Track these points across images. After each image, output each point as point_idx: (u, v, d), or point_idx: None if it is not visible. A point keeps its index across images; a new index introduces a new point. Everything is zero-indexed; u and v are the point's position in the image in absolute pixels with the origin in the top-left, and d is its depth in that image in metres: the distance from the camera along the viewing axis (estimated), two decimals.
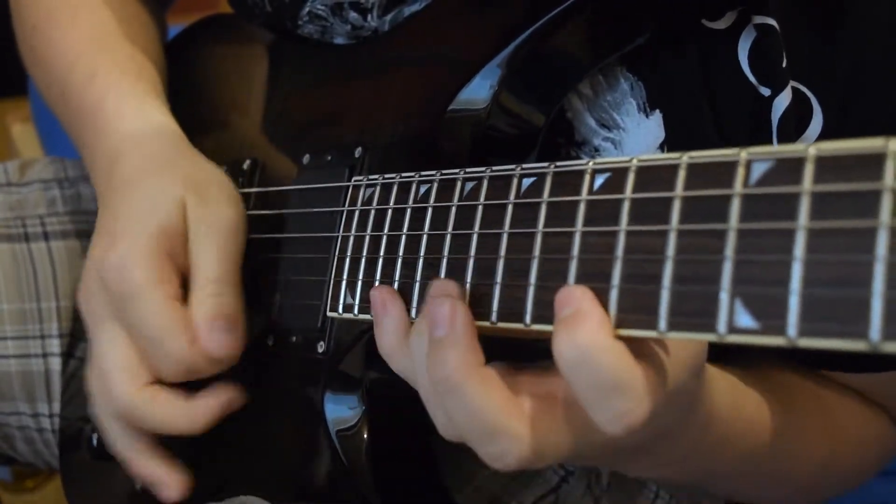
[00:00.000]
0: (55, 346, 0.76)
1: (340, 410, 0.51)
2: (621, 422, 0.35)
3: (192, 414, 0.54)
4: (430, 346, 0.38)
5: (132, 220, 0.55)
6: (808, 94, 0.48)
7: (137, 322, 0.53)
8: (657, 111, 0.51)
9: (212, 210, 0.55)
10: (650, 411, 0.35)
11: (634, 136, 0.52)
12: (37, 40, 0.70)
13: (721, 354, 0.52)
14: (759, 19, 0.48)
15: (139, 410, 0.54)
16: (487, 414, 0.37)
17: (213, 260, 0.54)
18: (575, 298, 0.36)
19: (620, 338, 0.35)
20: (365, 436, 0.50)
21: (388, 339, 0.43)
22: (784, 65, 0.48)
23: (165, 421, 0.54)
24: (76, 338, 0.75)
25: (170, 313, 0.53)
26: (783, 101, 0.48)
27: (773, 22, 0.48)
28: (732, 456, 0.50)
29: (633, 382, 0.34)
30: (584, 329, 0.35)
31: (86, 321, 0.58)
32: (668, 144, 0.51)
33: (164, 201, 0.55)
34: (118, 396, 0.54)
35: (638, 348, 0.36)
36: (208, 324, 0.53)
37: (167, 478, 0.57)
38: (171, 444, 0.62)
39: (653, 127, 0.51)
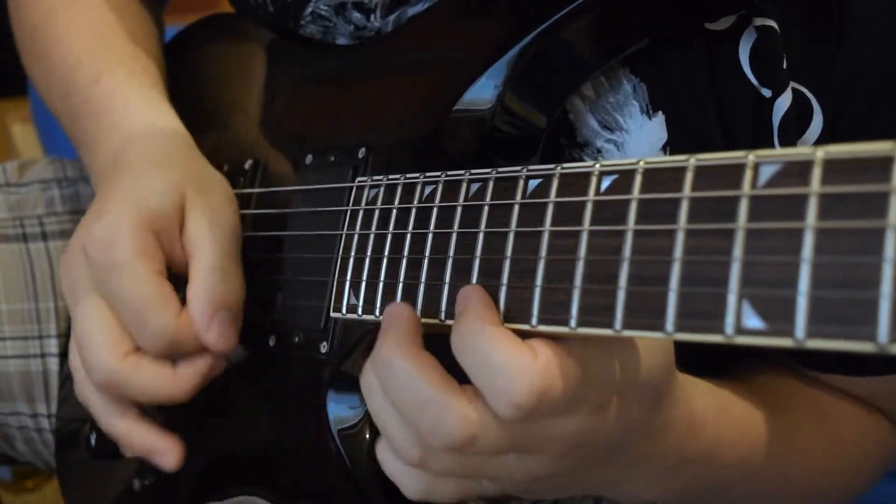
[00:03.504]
0: (53, 346, 0.75)
1: (342, 410, 0.51)
2: (502, 399, 0.37)
3: (177, 380, 0.53)
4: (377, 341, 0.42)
5: (125, 198, 0.54)
6: (808, 94, 0.49)
7: (120, 294, 0.52)
8: (660, 113, 0.51)
9: (212, 205, 0.55)
10: (539, 391, 0.36)
11: (637, 138, 0.52)
12: (38, 39, 0.70)
13: (709, 364, 0.52)
14: (759, 21, 0.48)
15: (122, 379, 0.52)
16: (420, 383, 0.39)
17: (213, 249, 0.53)
18: (465, 296, 0.40)
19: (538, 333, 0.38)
20: (367, 435, 0.50)
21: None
22: (784, 66, 0.48)
23: (150, 388, 0.53)
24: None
25: (154, 286, 0.51)
26: (784, 102, 0.48)
27: (773, 23, 0.48)
28: (727, 463, 0.50)
29: (506, 359, 0.37)
30: (465, 320, 0.39)
31: (66, 298, 0.56)
32: (670, 146, 0.51)
33: (163, 188, 0.54)
34: (100, 366, 0.52)
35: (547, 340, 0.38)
36: (207, 312, 0.52)
37: (163, 444, 0.54)
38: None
39: (655, 128, 0.51)
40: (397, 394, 0.40)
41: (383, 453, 0.44)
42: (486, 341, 0.38)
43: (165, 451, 0.54)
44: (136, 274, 0.51)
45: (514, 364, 0.37)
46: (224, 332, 0.52)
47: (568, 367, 0.37)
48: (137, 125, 0.61)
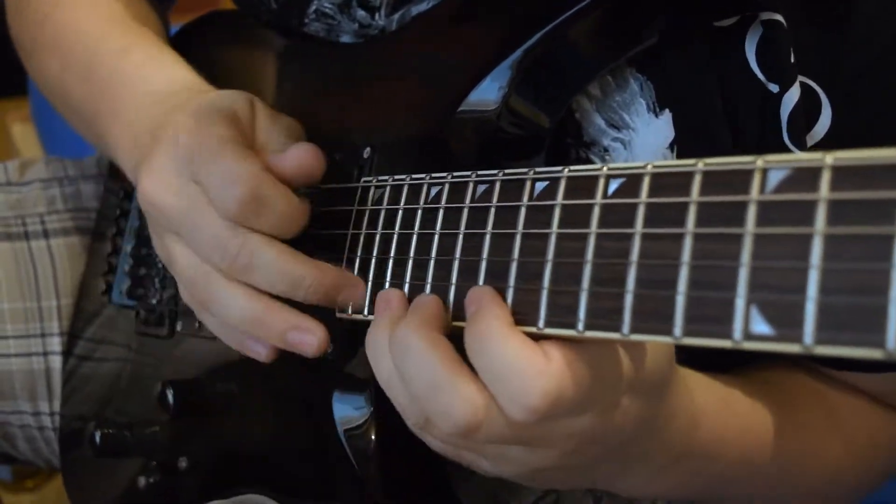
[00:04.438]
0: (56, 344, 0.76)
1: (348, 410, 0.51)
2: (515, 402, 0.37)
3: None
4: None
5: (200, 103, 0.52)
6: (817, 88, 0.48)
7: (223, 181, 0.47)
8: (666, 111, 0.51)
9: (276, 113, 0.54)
10: (553, 396, 0.37)
11: (644, 136, 0.52)
12: (50, 28, 0.68)
13: (717, 361, 0.52)
14: (765, 15, 0.48)
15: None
16: (434, 365, 0.39)
17: (289, 126, 0.53)
18: (477, 297, 0.40)
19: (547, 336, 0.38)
20: (372, 436, 0.50)
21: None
22: (792, 60, 0.48)
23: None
24: (75, 336, 0.75)
25: (249, 156, 0.48)
26: (792, 97, 0.48)
27: (780, 17, 0.48)
28: (732, 459, 0.50)
29: (520, 363, 0.37)
30: (480, 320, 0.39)
31: (158, 202, 0.50)
32: (677, 144, 0.51)
33: (232, 94, 0.54)
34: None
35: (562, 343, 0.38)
36: (289, 145, 0.50)
37: (309, 322, 0.48)
38: (175, 442, 0.62)
39: (662, 127, 0.51)
40: (410, 372, 0.40)
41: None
42: (499, 343, 0.38)
43: (311, 327, 0.48)
44: (231, 153, 0.48)
45: (528, 368, 0.37)
46: (308, 151, 0.49)
47: (579, 370, 0.38)
48: (180, 81, 0.60)
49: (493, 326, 0.39)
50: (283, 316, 0.48)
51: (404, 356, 0.41)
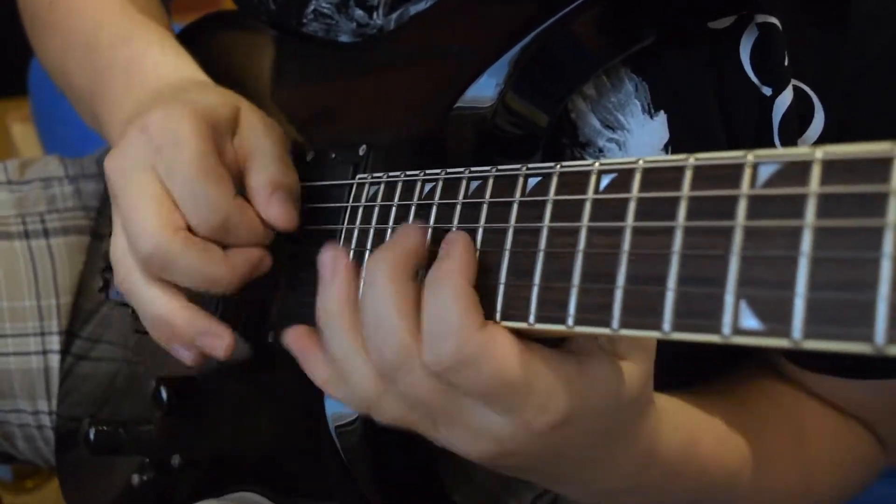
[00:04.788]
0: (55, 343, 0.76)
1: (339, 407, 0.51)
2: (430, 343, 0.38)
3: (228, 262, 0.50)
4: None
5: (181, 98, 0.53)
6: (810, 92, 0.48)
7: (179, 165, 0.49)
8: (661, 112, 0.51)
9: (264, 118, 0.55)
10: (462, 358, 0.37)
11: (639, 137, 0.52)
12: (57, 13, 0.69)
13: (698, 370, 0.52)
14: (761, 18, 0.48)
15: (172, 252, 0.49)
16: (388, 307, 0.40)
17: (275, 143, 0.53)
18: (452, 240, 0.40)
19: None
20: (363, 432, 0.50)
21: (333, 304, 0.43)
22: (786, 63, 0.48)
23: (200, 267, 0.49)
24: (72, 335, 0.75)
25: (213, 162, 0.50)
26: (784, 100, 0.48)
27: (775, 20, 0.47)
28: (683, 491, 0.50)
29: (456, 318, 0.38)
30: (445, 265, 0.40)
31: (112, 183, 0.52)
32: (672, 145, 0.51)
33: (217, 98, 0.54)
34: (148, 236, 0.49)
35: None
36: (269, 189, 0.51)
37: (216, 326, 0.51)
38: (169, 440, 0.62)
39: (657, 128, 0.51)
40: (364, 303, 0.41)
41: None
42: (451, 292, 0.39)
43: (219, 332, 0.51)
44: (196, 148, 0.50)
45: (460, 322, 0.38)
46: (285, 208, 0.51)
47: (512, 361, 0.38)
48: (176, 72, 0.60)
49: (453, 276, 0.39)
50: (195, 319, 0.51)
51: (367, 289, 0.41)
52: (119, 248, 0.52)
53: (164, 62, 0.61)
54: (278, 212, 0.51)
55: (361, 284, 0.42)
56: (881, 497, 0.63)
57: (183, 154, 0.49)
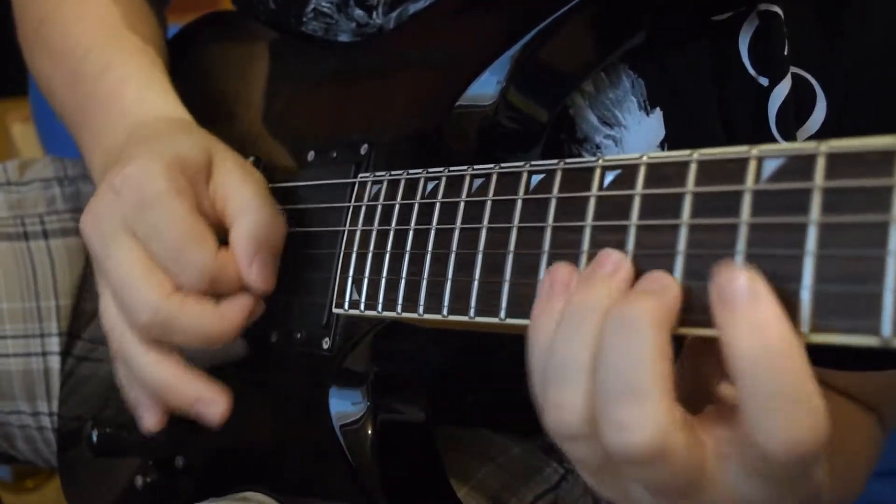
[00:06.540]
0: (55, 344, 0.75)
1: (344, 406, 0.51)
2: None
3: (225, 317, 0.50)
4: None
5: (151, 149, 0.53)
6: (812, 80, 0.48)
7: (157, 229, 0.49)
8: (657, 109, 0.51)
9: (241, 161, 0.55)
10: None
11: (635, 134, 0.52)
12: (46, 32, 0.69)
13: None
14: (763, 6, 0.47)
15: (170, 316, 0.49)
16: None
17: (255, 192, 0.53)
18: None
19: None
20: (369, 431, 0.50)
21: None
22: (786, 52, 0.47)
23: (198, 326, 0.49)
24: (73, 336, 0.75)
25: (192, 221, 0.50)
26: (782, 90, 0.47)
27: (777, 9, 0.47)
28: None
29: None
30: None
31: (93, 247, 0.52)
32: (668, 142, 0.51)
33: (190, 142, 0.54)
34: (145, 305, 0.49)
35: None
36: (251, 250, 0.51)
37: (211, 392, 0.51)
38: (172, 441, 0.62)
39: (653, 125, 0.51)
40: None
41: None
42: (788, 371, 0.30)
43: (214, 399, 0.51)
44: (173, 208, 0.50)
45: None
46: (265, 272, 0.51)
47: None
48: (152, 111, 0.60)
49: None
50: (191, 386, 0.51)
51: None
52: (111, 314, 0.53)
53: (141, 99, 0.61)
54: (259, 276, 0.51)
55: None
56: (881, 497, 0.63)
57: (162, 218, 0.49)
